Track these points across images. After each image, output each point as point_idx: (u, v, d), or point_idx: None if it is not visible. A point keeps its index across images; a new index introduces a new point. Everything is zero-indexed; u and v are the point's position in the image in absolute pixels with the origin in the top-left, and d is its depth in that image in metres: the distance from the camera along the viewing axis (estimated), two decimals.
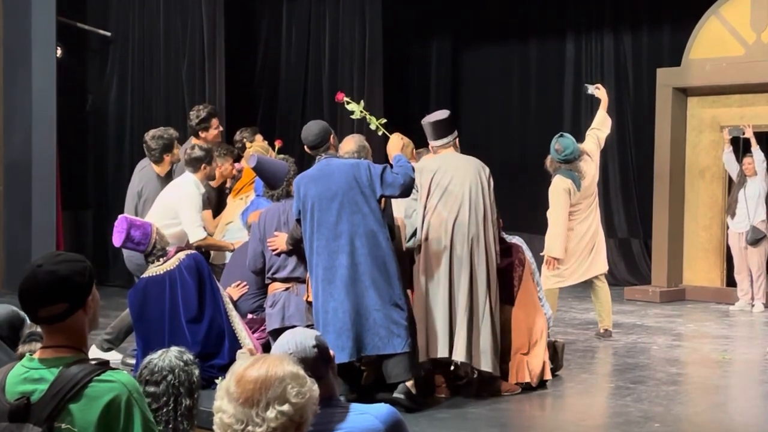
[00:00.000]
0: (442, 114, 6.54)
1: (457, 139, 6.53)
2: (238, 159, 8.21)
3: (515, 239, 6.93)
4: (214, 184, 7.79)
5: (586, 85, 9.49)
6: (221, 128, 8.21)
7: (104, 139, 11.99)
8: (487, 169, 6.37)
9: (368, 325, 5.77)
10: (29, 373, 2.53)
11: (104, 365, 2.55)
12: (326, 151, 6.10)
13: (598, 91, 9.04)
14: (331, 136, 6.21)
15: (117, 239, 6.35)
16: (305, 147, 6.27)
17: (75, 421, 2.45)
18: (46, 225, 10.34)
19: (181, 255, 6.34)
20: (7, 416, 2.45)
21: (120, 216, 6.51)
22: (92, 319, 2.64)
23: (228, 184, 8.10)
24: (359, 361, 6.06)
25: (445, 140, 6.43)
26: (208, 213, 7.56)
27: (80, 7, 11.72)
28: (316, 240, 5.86)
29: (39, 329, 2.85)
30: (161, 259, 6.33)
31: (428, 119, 6.49)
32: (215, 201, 7.92)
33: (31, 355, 2.61)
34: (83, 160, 11.96)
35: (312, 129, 6.20)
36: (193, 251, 6.53)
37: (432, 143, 6.51)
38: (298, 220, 6.04)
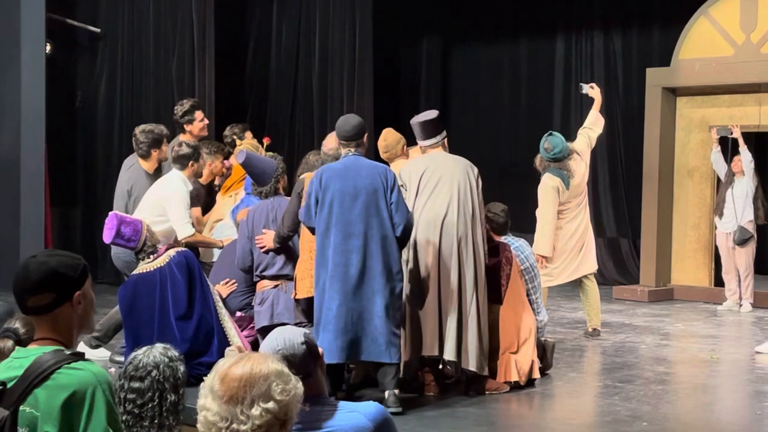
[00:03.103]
0: (430, 114, 6.53)
1: (446, 139, 6.52)
2: (228, 156, 8.18)
3: (521, 242, 6.97)
4: (203, 181, 7.76)
5: (581, 84, 9.49)
6: (206, 120, 8.17)
7: (93, 136, 11.96)
8: (476, 169, 6.36)
9: (368, 331, 5.71)
10: (12, 362, 2.61)
11: (78, 355, 2.59)
12: (358, 147, 5.95)
13: (593, 90, 9.05)
14: (366, 136, 6.03)
15: (107, 236, 6.33)
16: (336, 136, 6.05)
17: (39, 405, 2.50)
18: (34, 222, 10.31)
19: (172, 252, 6.34)
20: None
21: (110, 213, 6.49)
22: (83, 318, 2.67)
23: (217, 182, 8.07)
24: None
25: (433, 140, 6.42)
26: (198, 210, 7.54)
27: (70, 3, 11.69)
28: (332, 235, 5.74)
29: (15, 325, 2.90)
30: (152, 256, 6.32)
31: (417, 119, 6.48)
32: (205, 198, 7.89)
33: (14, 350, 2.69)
34: (72, 157, 11.93)
35: (351, 121, 6.01)
36: (184, 248, 6.53)
37: (421, 143, 6.49)
38: (296, 213, 5.96)
